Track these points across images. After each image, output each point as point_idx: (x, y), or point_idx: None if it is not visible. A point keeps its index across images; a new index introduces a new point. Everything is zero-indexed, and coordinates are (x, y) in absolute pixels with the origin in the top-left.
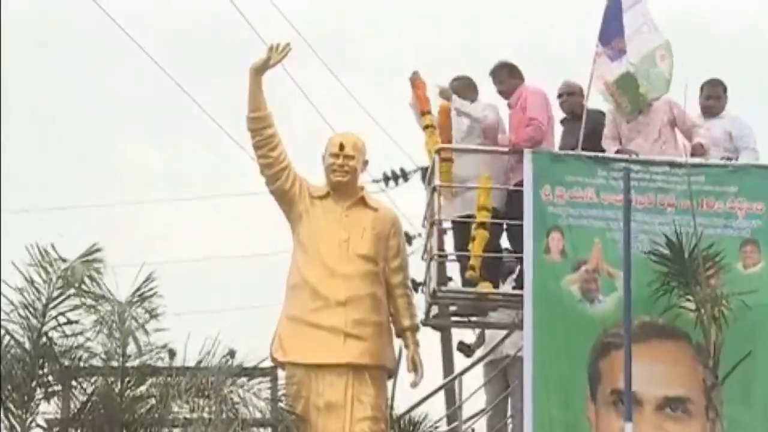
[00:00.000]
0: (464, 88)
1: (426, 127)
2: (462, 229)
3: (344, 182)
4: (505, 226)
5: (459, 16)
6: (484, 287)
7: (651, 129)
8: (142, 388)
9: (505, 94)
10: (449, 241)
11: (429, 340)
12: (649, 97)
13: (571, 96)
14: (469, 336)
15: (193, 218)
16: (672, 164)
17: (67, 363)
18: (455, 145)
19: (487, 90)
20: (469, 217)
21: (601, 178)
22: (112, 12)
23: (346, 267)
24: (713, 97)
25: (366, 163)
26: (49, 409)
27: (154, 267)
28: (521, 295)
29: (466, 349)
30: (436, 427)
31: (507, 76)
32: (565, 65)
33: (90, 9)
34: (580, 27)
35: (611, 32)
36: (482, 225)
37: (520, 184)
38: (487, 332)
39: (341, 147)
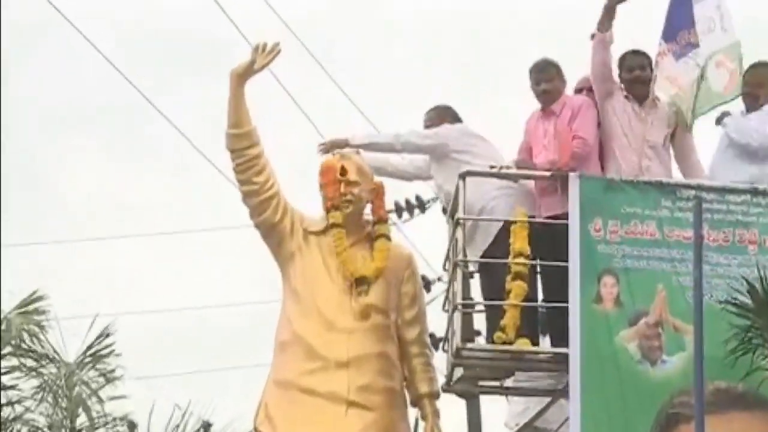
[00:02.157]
0: (438, 117)
1: None
2: (492, 270)
3: (346, 214)
4: (538, 269)
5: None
6: (522, 345)
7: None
8: None
9: (548, 97)
10: (476, 285)
11: (452, 409)
12: (697, 114)
13: (591, 92)
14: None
15: (158, 258)
16: (755, 192)
17: None
18: (483, 170)
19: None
20: (493, 245)
21: (665, 210)
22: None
23: (350, 320)
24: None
25: (373, 190)
26: None
27: (110, 319)
28: (566, 356)
29: None
30: None
31: (558, 76)
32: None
33: None
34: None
35: (675, 24)
36: (519, 275)
37: (552, 217)
38: (522, 401)
39: (342, 171)
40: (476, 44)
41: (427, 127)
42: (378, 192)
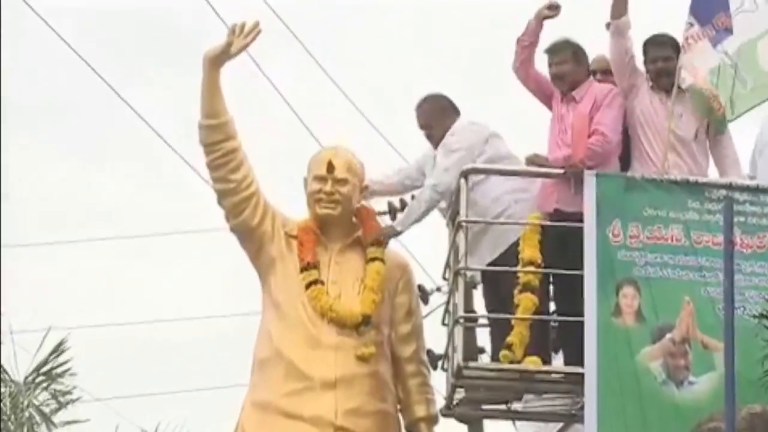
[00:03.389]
0: (436, 112)
1: None
2: (497, 280)
3: (334, 216)
4: (550, 278)
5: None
6: (531, 363)
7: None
8: None
9: (560, 82)
10: (479, 297)
11: None
12: (739, 109)
13: (606, 75)
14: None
15: (120, 265)
16: None
17: None
18: (487, 165)
19: (473, 112)
20: (504, 256)
21: (692, 212)
22: None
23: (337, 335)
24: None
25: (365, 189)
26: None
27: (65, 333)
28: (581, 376)
29: None
30: None
31: (572, 59)
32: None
33: None
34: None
35: (709, 3)
36: (528, 286)
37: (563, 217)
38: (532, 427)
39: (330, 168)
40: (479, 35)
41: (423, 123)
42: (368, 212)
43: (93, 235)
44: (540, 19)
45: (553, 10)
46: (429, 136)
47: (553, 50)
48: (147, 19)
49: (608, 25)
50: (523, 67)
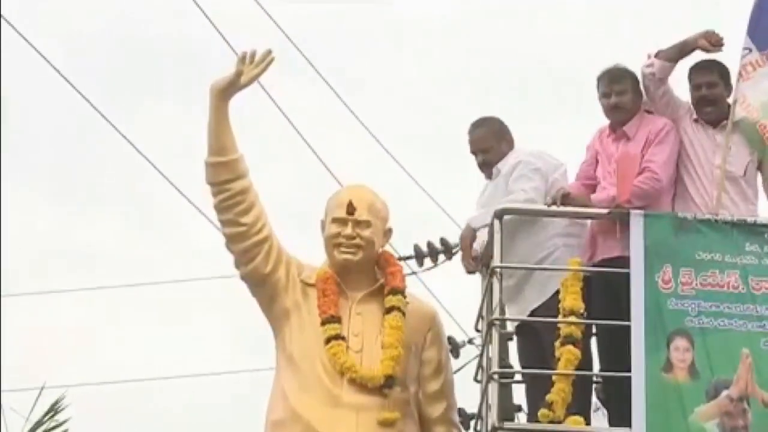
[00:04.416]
0: (493, 136)
1: None
2: (536, 332)
3: (354, 262)
4: (593, 329)
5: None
6: (574, 424)
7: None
8: None
9: (619, 114)
10: (515, 350)
11: None
12: None
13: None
14: None
15: (116, 318)
16: None
17: None
18: (522, 206)
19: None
20: (545, 305)
21: (750, 255)
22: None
23: (359, 394)
24: None
25: (389, 232)
26: None
27: (61, 391)
28: None
29: None
30: None
31: (631, 89)
32: None
33: None
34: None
35: None
36: (570, 338)
37: (606, 263)
38: None
39: (350, 209)
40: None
41: (480, 148)
42: (389, 257)
43: (82, 283)
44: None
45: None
46: (483, 163)
47: (614, 78)
48: (145, 45)
49: (656, 54)
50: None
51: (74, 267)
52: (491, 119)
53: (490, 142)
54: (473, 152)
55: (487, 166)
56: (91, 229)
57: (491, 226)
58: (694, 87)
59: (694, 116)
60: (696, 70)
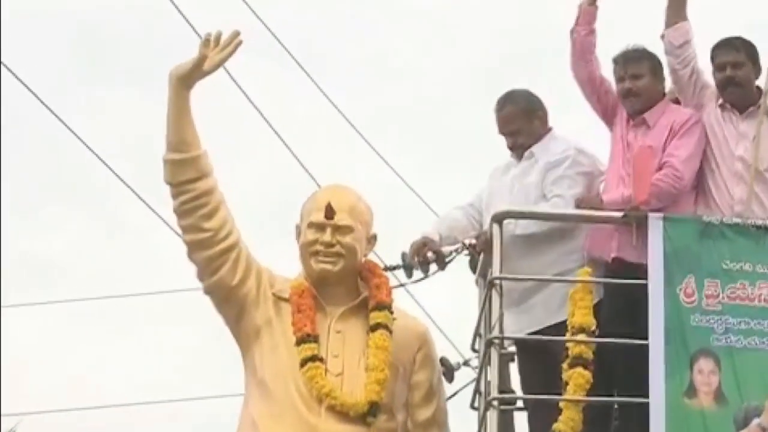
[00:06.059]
0: (516, 117)
1: None
2: (536, 354)
3: (333, 273)
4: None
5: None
6: None
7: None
8: None
9: (634, 100)
10: (516, 372)
11: None
12: None
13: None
14: None
15: (73, 333)
16: None
17: None
18: (526, 209)
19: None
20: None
21: None
22: None
23: (339, 423)
24: None
25: (373, 239)
26: None
27: (17, 420)
28: None
29: None
30: None
31: (650, 74)
32: None
33: None
34: None
35: None
36: (580, 359)
37: (624, 269)
38: None
39: (329, 212)
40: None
41: (512, 129)
42: (374, 267)
43: (35, 298)
44: None
45: None
46: (515, 145)
47: (626, 59)
48: (93, 31)
49: (662, 37)
50: (585, 63)
51: (28, 279)
52: (517, 94)
53: (517, 123)
54: (501, 133)
55: (519, 149)
56: (45, 236)
57: (490, 231)
58: (718, 67)
59: (720, 101)
60: (719, 48)
